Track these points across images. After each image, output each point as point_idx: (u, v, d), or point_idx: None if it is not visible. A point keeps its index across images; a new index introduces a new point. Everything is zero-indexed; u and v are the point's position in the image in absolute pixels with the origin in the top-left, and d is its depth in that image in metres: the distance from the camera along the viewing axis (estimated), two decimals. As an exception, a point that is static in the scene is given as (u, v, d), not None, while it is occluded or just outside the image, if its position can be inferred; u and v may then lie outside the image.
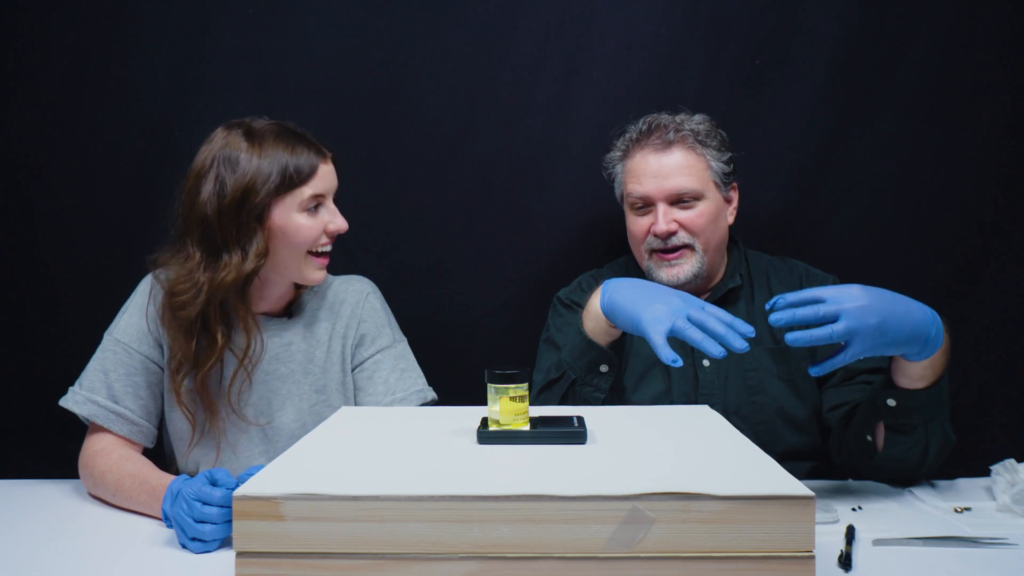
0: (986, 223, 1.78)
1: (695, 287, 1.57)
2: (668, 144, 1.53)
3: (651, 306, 1.22)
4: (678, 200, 1.52)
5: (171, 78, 1.80)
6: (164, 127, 1.80)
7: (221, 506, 1.10)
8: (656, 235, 1.52)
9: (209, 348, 1.38)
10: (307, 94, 1.81)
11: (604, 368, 1.37)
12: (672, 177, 1.51)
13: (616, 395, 1.42)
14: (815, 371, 1.19)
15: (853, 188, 1.80)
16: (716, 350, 1.15)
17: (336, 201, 1.47)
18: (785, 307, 1.15)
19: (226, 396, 1.42)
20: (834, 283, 1.59)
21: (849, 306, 1.12)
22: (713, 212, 1.54)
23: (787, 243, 1.78)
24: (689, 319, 1.18)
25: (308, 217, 1.39)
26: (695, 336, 1.16)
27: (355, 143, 1.80)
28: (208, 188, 1.35)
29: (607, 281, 1.34)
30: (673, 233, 1.52)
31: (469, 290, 1.84)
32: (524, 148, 1.82)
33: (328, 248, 1.44)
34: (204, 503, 1.11)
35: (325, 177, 1.41)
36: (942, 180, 1.79)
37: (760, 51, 1.79)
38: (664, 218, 1.51)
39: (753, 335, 1.17)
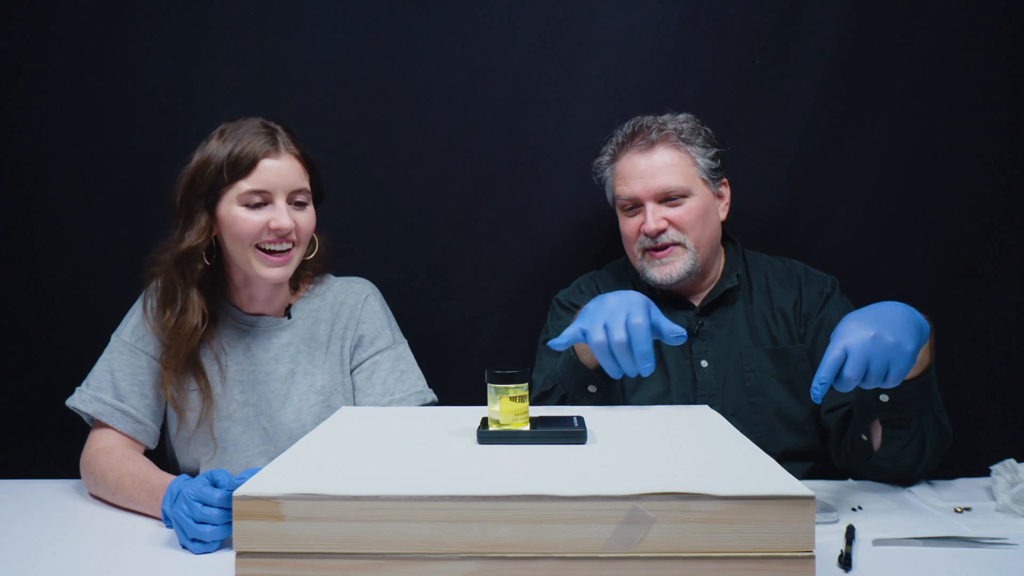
0: (986, 223, 1.78)
1: (690, 285, 1.57)
2: (651, 144, 1.55)
3: (587, 308, 1.24)
4: (666, 198, 1.54)
5: (172, 79, 1.80)
6: (165, 128, 1.80)
7: (221, 507, 1.10)
8: (646, 234, 1.54)
9: (180, 323, 1.40)
10: (307, 95, 1.81)
11: (592, 389, 1.36)
12: (658, 176, 1.53)
13: (615, 398, 1.41)
14: (814, 395, 1.13)
15: (853, 188, 1.81)
16: (611, 371, 1.20)
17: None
18: (828, 389, 1.12)
19: (223, 387, 1.45)
20: (833, 284, 1.59)
21: (868, 343, 1.10)
22: (702, 208, 1.54)
23: (786, 243, 1.78)
24: (605, 326, 1.18)
25: (247, 211, 1.38)
26: (596, 342, 1.18)
27: (356, 143, 1.80)
28: (182, 170, 1.41)
29: (592, 299, 1.32)
30: (663, 231, 1.53)
31: (469, 290, 1.84)
32: (524, 148, 1.83)
33: (278, 247, 1.40)
34: (204, 504, 1.11)
35: (269, 172, 1.38)
36: (942, 180, 1.79)
37: (760, 51, 1.79)
38: (653, 216, 1.53)
39: (652, 368, 1.17)
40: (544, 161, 1.83)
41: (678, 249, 1.54)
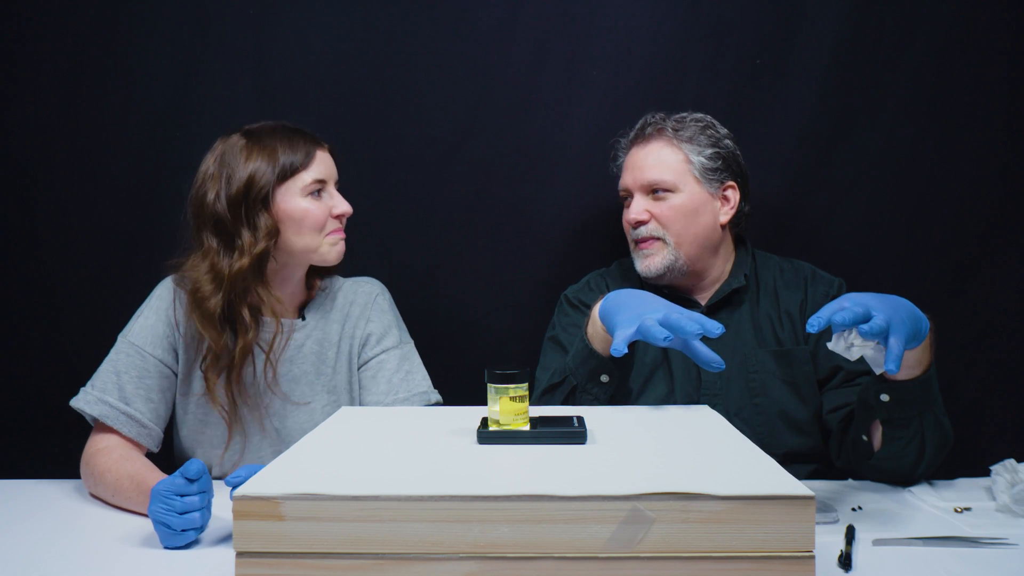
0: (985, 223, 1.78)
1: (693, 284, 1.58)
2: (647, 138, 1.59)
3: (628, 310, 1.24)
4: (652, 191, 1.56)
5: (171, 79, 1.80)
6: (164, 128, 1.80)
7: (200, 492, 1.12)
8: (627, 223, 1.58)
9: (241, 339, 1.41)
10: (307, 95, 1.81)
11: (604, 378, 1.36)
12: (646, 169, 1.56)
13: (621, 399, 1.41)
14: (891, 368, 1.10)
15: (853, 188, 1.81)
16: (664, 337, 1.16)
17: None
18: (826, 323, 1.10)
19: (261, 383, 1.45)
20: (840, 287, 1.59)
21: (871, 303, 1.11)
22: (687, 206, 1.55)
23: (787, 243, 1.78)
24: (661, 322, 1.17)
25: (312, 201, 1.44)
26: (657, 334, 1.16)
27: (355, 143, 1.80)
28: (214, 188, 1.41)
29: (611, 292, 1.34)
30: (643, 223, 1.56)
31: (469, 290, 1.84)
32: (524, 148, 1.83)
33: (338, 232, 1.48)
34: (182, 495, 1.11)
35: (324, 162, 1.46)
36: (942, 180, 1.79)
37: (760, 51, 1.79)
38: (635, 208, 1.56)
39: (722, 331, 1.16)
40: (544, 161, 1.83)
41: (657, 244, 1.56)
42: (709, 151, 1.57)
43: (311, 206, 1.43)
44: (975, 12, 1.76)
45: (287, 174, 1.42)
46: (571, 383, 1.38)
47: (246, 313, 1.41)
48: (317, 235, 1.45)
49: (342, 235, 1.48)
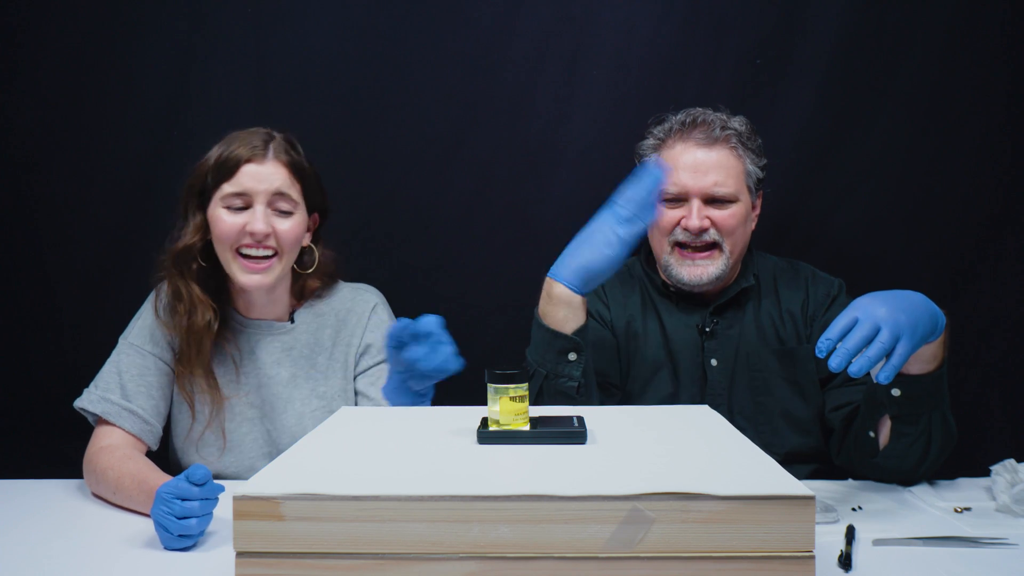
0: (985, 223, 1.78)
1: (712, 289, 1.56)
2: (713, 141, 1.50)
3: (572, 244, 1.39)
4: (712, 199, 1.50)
5: (170, 79, 1.80)
6: (163, 128, 1.80)
7: (202, 499, 1.11)
8: (687, 229, 1.50)
9: (179, 320, 1.42)
10: (306, 95, 1.81)
11: (572, 356, 1.37)
12: (711, 175, 1.49)
13: (621, 399, 1.41)
14: (881, 379, 1.12)
15: (853, 188, 1.81)
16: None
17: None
18: (834, 346, 1.12)
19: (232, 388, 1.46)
20: (840, 287, 1.58)
21: (880, 313, 1.12)
22: (743, 215, 1.52)
23: (787, 243, 1.78)
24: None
25: (228, 213, 1.40)
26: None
27: (355, 143, 1.80)
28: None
29: (547, 276, 1.41)
30: (705, 230, 1.50)
31: (469, 290, 1.84)
32: (524, 148, 1.83)
33: (256, 252, 1.40)
34: (183, 499, 1.11)
35: (251, 177, 1.39)
36: (942, 180, 1.79)
37: (760, 51, 1.79)
38: (698, 214, 1.49)
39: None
40: (544, 161, 1.83)
41: (716, 252, 1.51)
42: (762, 161, 1.55)
43: (224, 217, 1.39)
44: (975, 12, 1.76)
45: (216, 181, 1.40)
46: (541, 374, 1.38)
47: (181, 305, 1.41)
48: (227, 251, 1.40)
49: (258, 266, 1.40)
